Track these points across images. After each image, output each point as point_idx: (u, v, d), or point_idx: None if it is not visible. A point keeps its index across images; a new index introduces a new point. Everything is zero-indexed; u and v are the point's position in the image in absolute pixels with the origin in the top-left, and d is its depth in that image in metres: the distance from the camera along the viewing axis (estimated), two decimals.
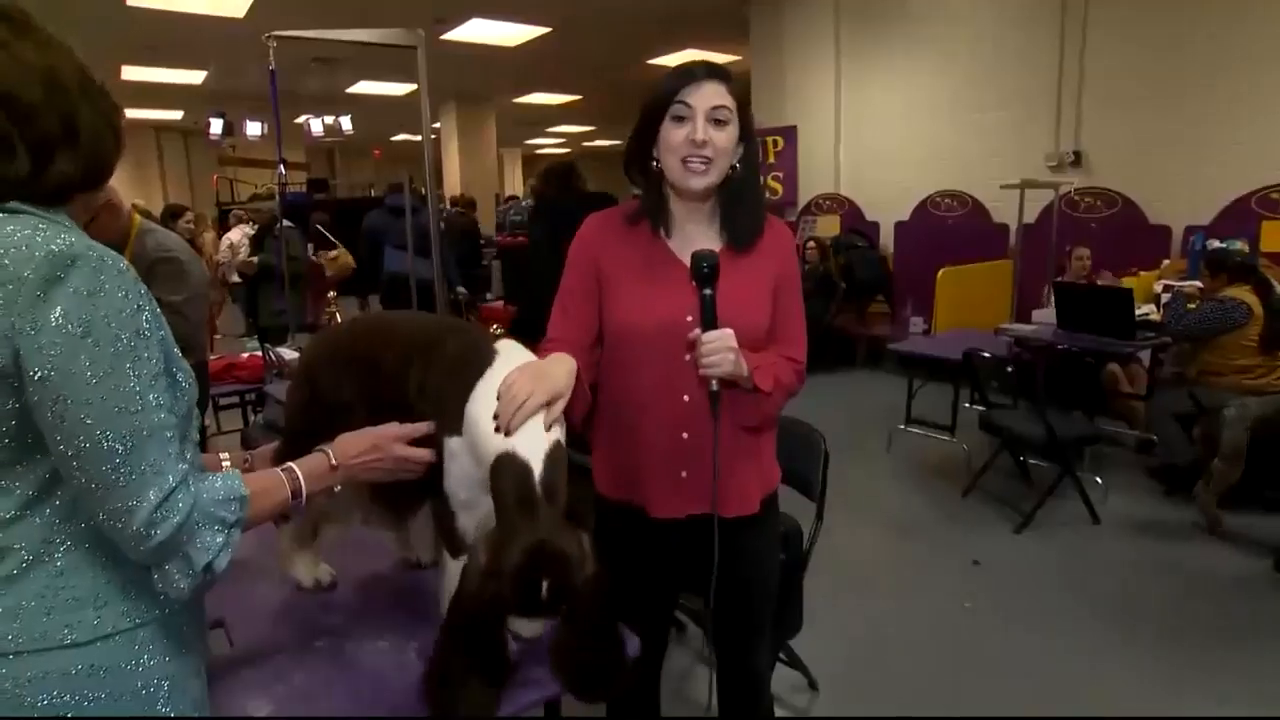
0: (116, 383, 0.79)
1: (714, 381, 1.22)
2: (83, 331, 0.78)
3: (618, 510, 1.40)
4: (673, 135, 1.26)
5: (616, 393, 1.36)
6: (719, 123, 1.25)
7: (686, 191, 1.29)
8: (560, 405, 1.11)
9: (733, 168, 1.30)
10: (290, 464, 1.04)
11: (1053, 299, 4.36)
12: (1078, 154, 5.60)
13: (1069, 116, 5.63)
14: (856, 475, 3.99)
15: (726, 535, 1.32)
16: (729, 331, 1.21)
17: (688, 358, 1.25)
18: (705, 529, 1.29)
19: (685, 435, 1.31)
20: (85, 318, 0.78)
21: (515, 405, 1.06)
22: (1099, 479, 3.69)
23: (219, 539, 0.86)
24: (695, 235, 1.34)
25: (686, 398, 1.29)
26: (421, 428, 1.15)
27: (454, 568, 1.16)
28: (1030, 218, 5.26)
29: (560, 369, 1.16)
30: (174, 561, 0.83)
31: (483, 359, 1.15)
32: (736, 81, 1.29)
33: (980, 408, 3.97)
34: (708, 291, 1.20)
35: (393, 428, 1.14)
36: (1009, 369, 3.54)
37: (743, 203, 1.33)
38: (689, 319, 1.24)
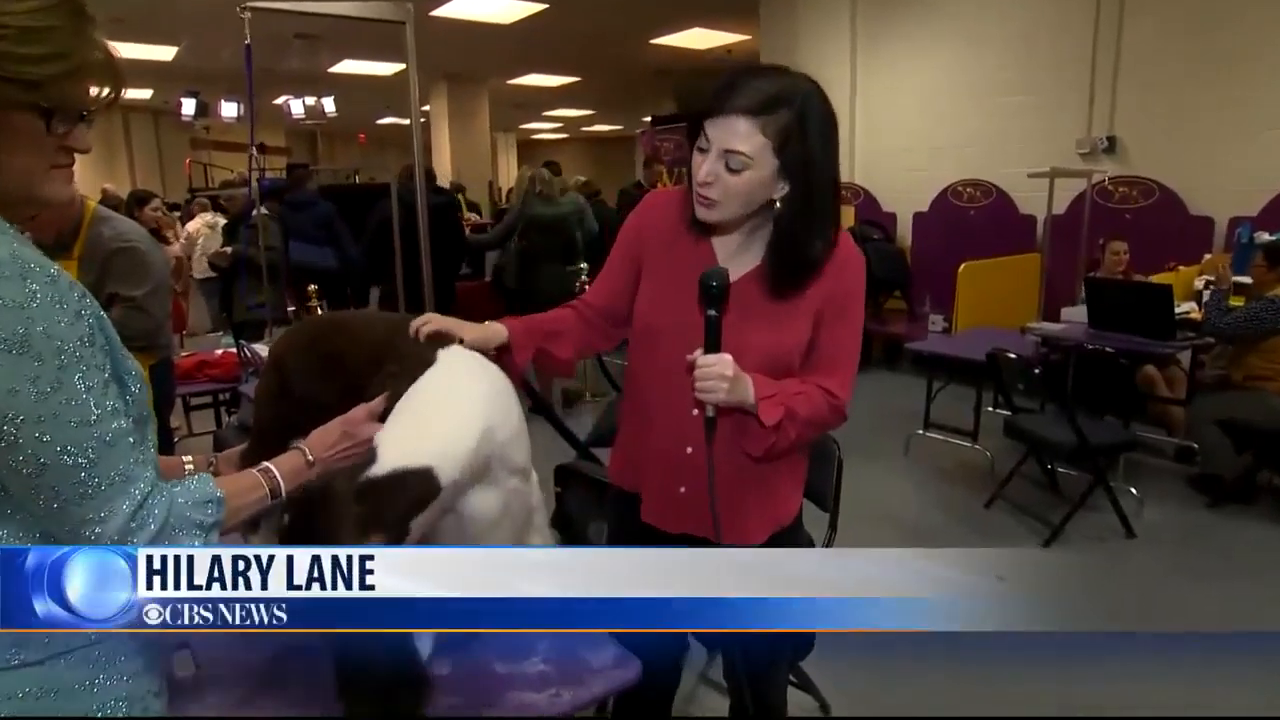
0: (67, 396, 0.79)
1: (709, 407, 1.22)
2: (20, 347, 0.77)
3: (622, 499, 1.44)
4: (695, 163, 1.25)
5: (639, 382, 1.41)
6: (731, 168, 1.21)
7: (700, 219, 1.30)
8: (440, 323, 1.24)
9: (774, 203, 1.26)
10: (266, 464, 1.05)
11: (1084, 296, 4.34)
12: (1112, 139, 5.57)
13: (1103, 99, 5.60)
14: (872, 483, 3.95)
15: None
16: (726, 358, 1.20)
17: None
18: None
19: (689, 450, 1.33)
20: (20, 332, 0.77)
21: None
22: (1134, 489, 3.67)
23: (198, 542, 0.87)
24: (739, 244, 1.33)
25: (695, 412, 1.29)
26: (382, 400, 1.19)
27: None
28: (1060, 209, 5.23)
29: (475, 327, 1.28)
30: None
31: (424, 364, 1.21)
32: (789, 108, 1.20)
33: (1005, 412, 3.99)
34: (712, 312, 1.20)
35: (358, 410, 1.18)
36: (1036, 370, 3.54)
37: (792, 241, 1.28)
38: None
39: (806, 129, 1.21)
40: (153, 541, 0.82)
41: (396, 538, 1.03)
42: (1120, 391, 4.01)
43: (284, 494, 1.04)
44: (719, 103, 1.21)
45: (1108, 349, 3.93)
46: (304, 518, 1.05)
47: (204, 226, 7.30)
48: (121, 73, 0.89)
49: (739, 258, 1.32)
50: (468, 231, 6.51)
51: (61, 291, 0.81)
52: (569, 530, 1.83)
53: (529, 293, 5.08)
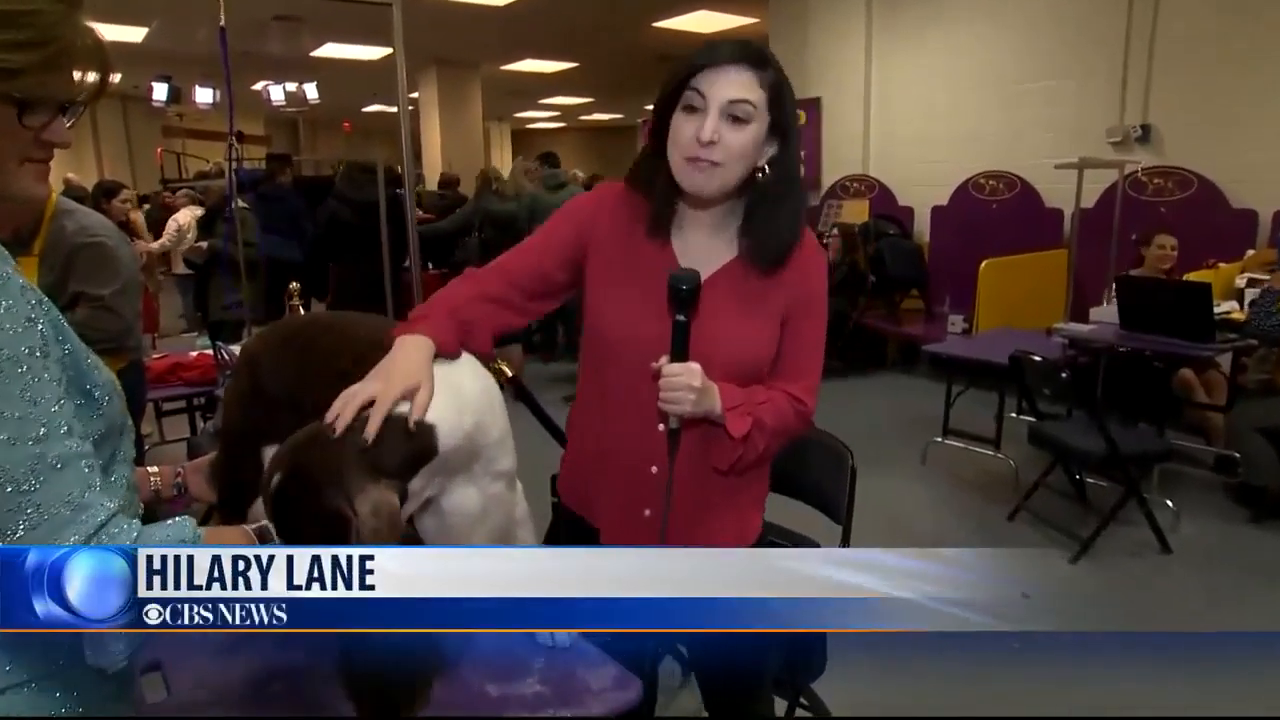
0: (6, 409, 0.76)
1: (673, 419, 1.22)
2: None
3: (571, 523, 1.42)
4: (682, 128, 1.21)
5: (591, 395, 1.38)
6: (737, 120, 1.19)
7: (689, 192, 1.25)
8: (424, 395, 1.09)
9: (760, 170, 1.25)
10: (265, 524, 1.00)
11: (1114, 294, 4.32)
12: (1146, 128, 5.54)
13: (1136, 85, 5.57)
14: (887, 494, 3.95)
15: None
16: (694, 367, 1.19)
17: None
18: None
19: (654, 470, 1.31)
20: None
21: (344, 402, 1.07)
22: (1170, 502, 3.64)
23: None
24: (702, 245, 1.31)
25: (661, 427, 1.27)
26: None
27: None
28: (1089, 202, 5.21)
29: (410, 359, 1.14)
30: None
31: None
32: (774, 67, 1.22)
33: (1029, 418, 3.95)
34: (681, 318, 1.19)
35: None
36: (1063, 374, 3.50)
37: (771, 214, 1.27)
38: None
39: (789, 86, 1.24)
40: None
41: (399, 494, 1.03)
42: (1154, 397, 4.01)
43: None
44: (714, 54, 1.19)
45: (1141, 351, 3.92)
46: (302, 467, 1.01)
47: (193, 219, 7.27)
48: (110, 62, 0.87)
49: (705, 260, 1.29)
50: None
51: (12, 295, 0.78)
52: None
53: None
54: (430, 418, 1.08)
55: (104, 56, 0.86)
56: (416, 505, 1.10)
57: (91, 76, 0.86)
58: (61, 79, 0.82)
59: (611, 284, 1.32)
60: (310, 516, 0.99)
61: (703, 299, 1.20)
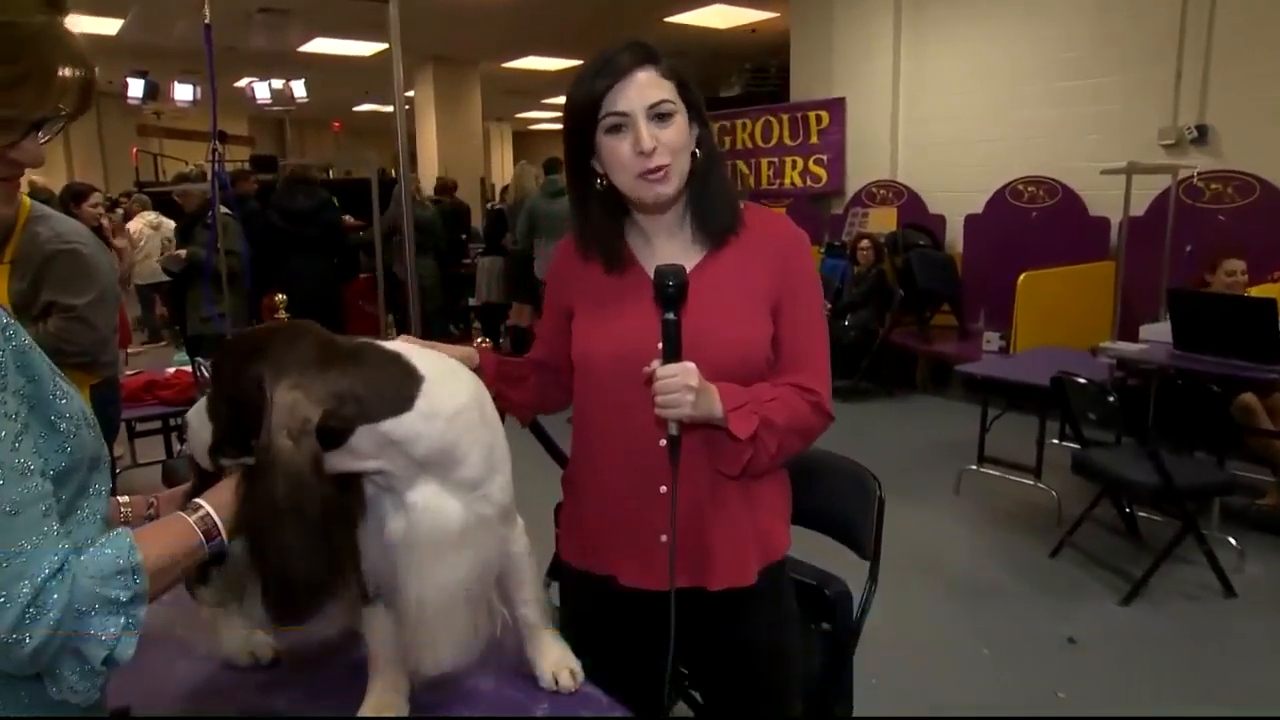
0: None
1: (672, 425, 1.24)
2: None
3: (581, 580, 1.46)
4: (618, 152, 1.29)
5: (582, 440, 1.45)
6: (663, 117, 1.28)
7: (651, 205, 1.33)
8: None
9: (693, 156, 1.34)
10: (197, 500, 1.01)
11: (1167, 311, 4.28)
12: (1202, 129, 5.52)
13: (1191, 82, 5.55)
14: (918, 527, 3.95)
15: (715, 611, 1.34)
16: (689, 366, 1.21)
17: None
18: (694, 604, 1.32)
19: (664, 489, 1.31)
20: None
21: None
22: (1233, 539, 3.60)
23: (115, 623, 0.84)
24: (668, 248, 1.38)
25: (663, 443, 1.29)
26: None
27: (369, 618, 1.22)
28: (1139, 210, 5.22)
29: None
30: (64, 663, 0.82)
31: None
32: (666, 58, 1.31)
33: (1073, 445, 3.94)
34: (670, 316, 1.21)
35: None
36: (1110, 397, 3.47)
37: (709, 191, 1.36)
38: (660, 346, 1.26)
39: (684, 69, 1.32)
40: (51, 635, 0.79)
41: (328, 424, 1.04)
42: (1212, 423, 3.94)
43: (224, 535, 0.99)
44: (613, 68, 1.27)
45: (1198, 373, 3.87)
46: (258, 335, 1.09)
47: (146, 227, 7.30)
48: (93, 79, 0.89)
49: (680, 258, 1.34)
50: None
51: None
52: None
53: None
54: (422, 369, 1.12)
55: (86, 70, 0.87)
56: (356, 464, 1.09)
57: (71, 91, 0.86)
58: (32, 96, 0.83)
59: (588, 311, 1.40)
60: (234, 378, 1.05)
61: (688, 298, 1.24)
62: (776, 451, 1.31)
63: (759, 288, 1.35)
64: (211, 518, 0.99)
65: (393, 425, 1.07)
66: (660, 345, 1.23)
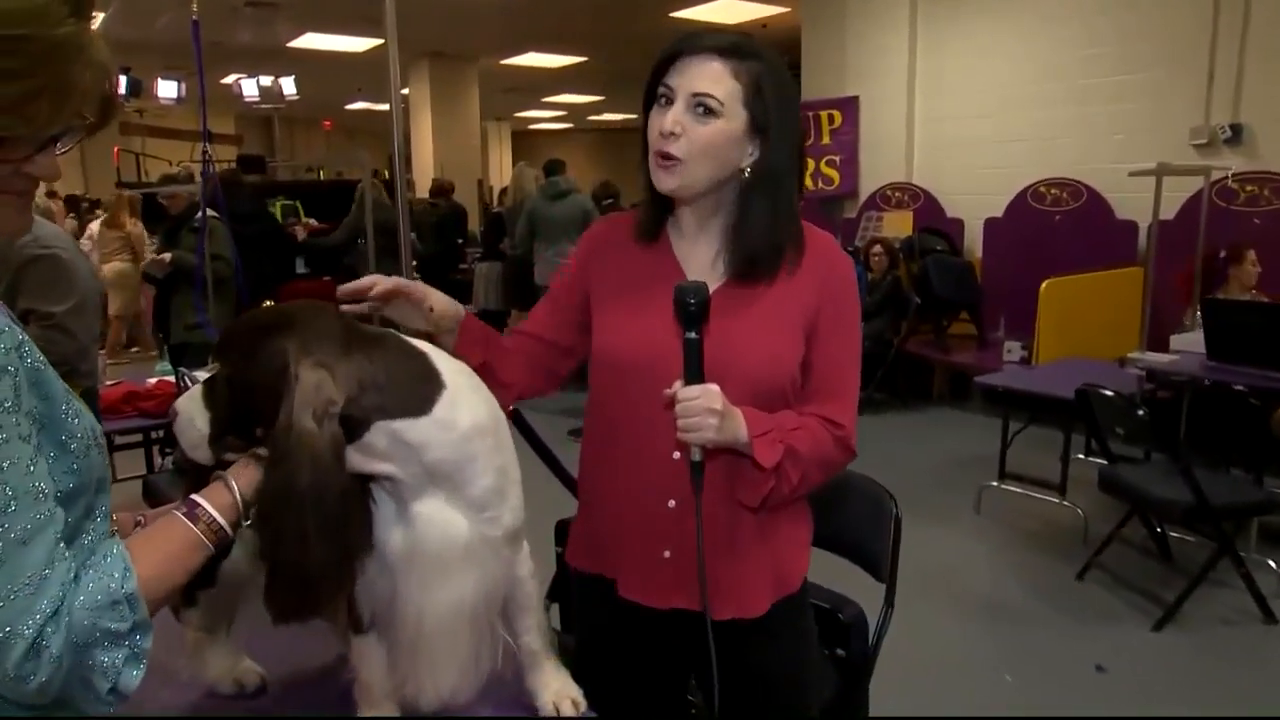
0: None
1: (695, 449, 1.23)
2: None
3: (586, 583, 1.46)
4: (652, 122, 1.30)
5: (597, 439, 1.43)
6: (704, 111, 1.26)
7: (667, 191, 1.33)
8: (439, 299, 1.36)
9: (744, 172, 1.31)
10: (193, 497, 0.99)
11: (1200, 320, 4.27)
12: (1236, 128, 5.53)
13: (1225, 79, 5.55)
14: (937, 547, 3.93)
15: (722, 639, 1.31)
16: (713, 389, 1.21)
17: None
18: (693, 626, 1.30)
19: (672, 504, 1.32)
20: None
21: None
22: (1273, 562, 3.59)
23: (117, 655, 0.85)
24: (702, 249, 1.38)
25: (676, 455, 1.30)
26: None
27: (361, 648, 1.17)
28: (1169, 213, 5.21)
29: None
30: (75, 692, 0.84)
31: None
32: (758, 59, 1.28)
33: (1100, 461, 3.95)
34: (692, 335, 1.21)
35: None
36: (1139, 411, 3.46)
37: (748, 217, 1.33)
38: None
39: (780, 80, 1.30)
40: (61, 665, 0.80)
41: (348, 409, 1.01)
42: (1249, 438, 3.92)
43: (230, 533, 0.98)
44: (686, 44, 1.28)
45: (1233, 386, 3.84)
46: (281, 309, 1.07)
47: (101, 230, 7.38)
48: (115, 93, 0.90)
49: (710, 264, 1.35)
50: (305, 235, 8.06)
51: None
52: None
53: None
54: (445, 377, 1.10)
55: (108, 85, 0.87)
56: (368, 465, 1.05)
57: (92, 100, 0.87)
58: (49, 110, 0.82)
59: (612, 303, 1.39)
60: (251, 353, 1.01)
61: (712, 311, 1.22)
62: (799, 483, 1.30)
63: (793, 308, 1.33)
64: (212, 516, 0.97)
65: (406, 426, 1.04)
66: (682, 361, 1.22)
